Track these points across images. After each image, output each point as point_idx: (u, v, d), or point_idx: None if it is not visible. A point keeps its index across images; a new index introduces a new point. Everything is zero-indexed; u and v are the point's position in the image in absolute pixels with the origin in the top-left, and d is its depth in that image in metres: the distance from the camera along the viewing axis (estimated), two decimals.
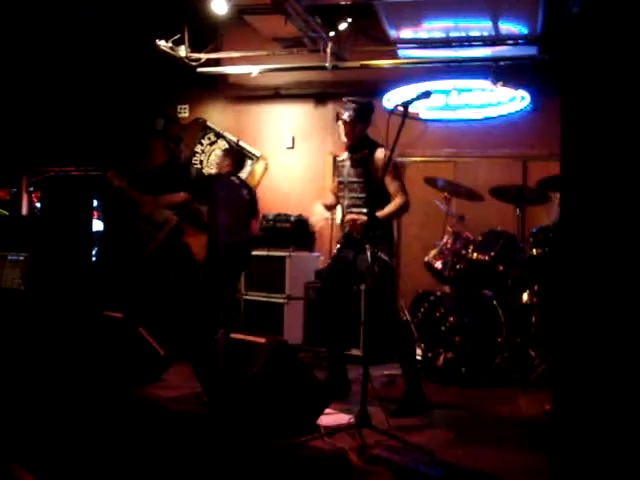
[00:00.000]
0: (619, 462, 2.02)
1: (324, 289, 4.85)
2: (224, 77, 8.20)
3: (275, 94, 8.15)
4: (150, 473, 3.29)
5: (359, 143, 4.56)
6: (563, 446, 2.13)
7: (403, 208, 4.44)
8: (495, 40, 6.98)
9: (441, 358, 5.33)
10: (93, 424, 3.99)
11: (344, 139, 4.58)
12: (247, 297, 6.85)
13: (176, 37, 7.44)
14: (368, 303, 4.06)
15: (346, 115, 4.51)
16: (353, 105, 4.52)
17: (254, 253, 6.41)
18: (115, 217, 8.40)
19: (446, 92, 7.42)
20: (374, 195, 4.33)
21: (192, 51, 7.59)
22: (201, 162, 8.34)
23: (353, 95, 4.67)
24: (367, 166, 4.48)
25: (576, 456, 2.09)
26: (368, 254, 4.17)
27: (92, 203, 7.80)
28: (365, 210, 4.38)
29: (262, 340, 3.99)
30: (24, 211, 9.03)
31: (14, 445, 3.66)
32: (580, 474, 2.08)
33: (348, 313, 4.99)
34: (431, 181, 6.05)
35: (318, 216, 4.77)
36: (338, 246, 4.75)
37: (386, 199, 4.41)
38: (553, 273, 5.18)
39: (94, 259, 7.77)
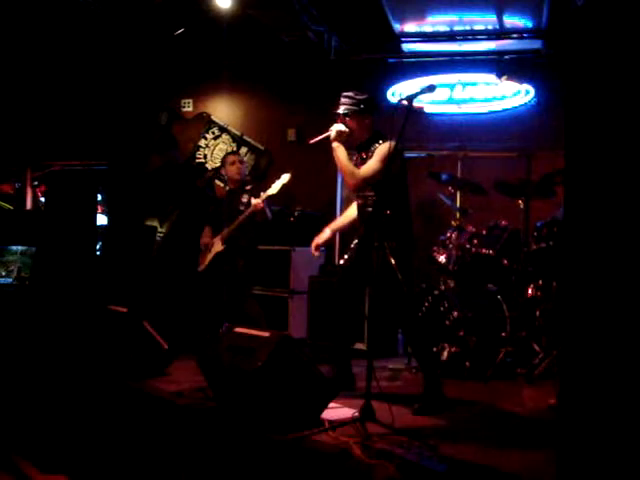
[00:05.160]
0: (625, 457, 2.01)
1: (339, 289, 4.71)
2: (229, 71, 8.20)
3: (279, 87, 8.15)
4: (153, 466, 3.30)
5: (366, 140, 4.52)
6: (568, 440, 2.13)
7: (349, 174, 4.41)
8: (500, 34, 6.96)
9: (445, 352, 5.33)
10: (97, 418, 4.00)
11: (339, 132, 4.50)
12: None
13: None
14: (374, 297, 4.03)
15: (341, 109, 4.48)
16: (347, 99, 4.49)
17: (259, 247, 6.40)
18: (119, 211, 8.42)
19: (450, 86, 7.40)
20: (382, 192, 4.26)
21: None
22: (205, 156, 8.34)
23: (355, 89, 4.61)
24: None
25: (581, 451, 2.09)
26: (384, 252, 4.17)
27: (96, 197, 7.81)
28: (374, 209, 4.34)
29: (266, 334, 4.00)
30: (28, 205, 9.04)
31: (17, 438, 3.67)
32: (586, 469, 2.07)
33: (359, 309, 5.00)
34: (435, 175, 6.05)
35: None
36: (355, 242, 4.69)
37: (395, 195, 4.40)
38: (558, 267, 5.17)
39: (98, 253, 7.78)
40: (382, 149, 4.34)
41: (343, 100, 4.50)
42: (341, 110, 4.47)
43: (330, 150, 4.46)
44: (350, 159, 4.46)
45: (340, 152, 4.42)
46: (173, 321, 6.18)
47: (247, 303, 5.78)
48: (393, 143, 4.15)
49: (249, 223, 5.79)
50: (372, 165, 4.35)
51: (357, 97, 4.49)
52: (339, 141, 4.41)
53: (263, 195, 5.66)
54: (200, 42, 7.94)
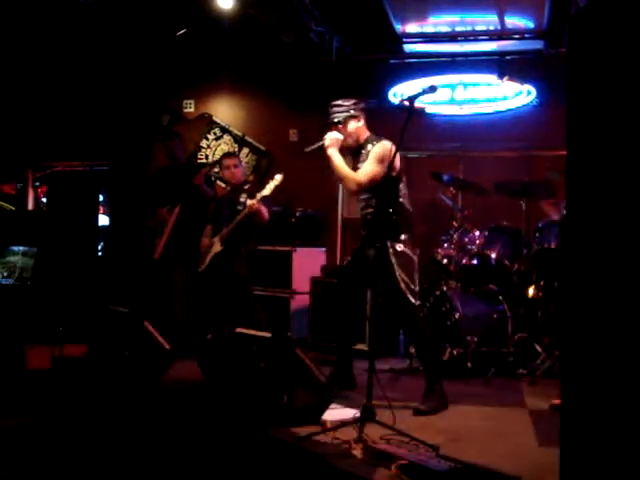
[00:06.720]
0: (629, 458, 2.01)
1: (341, 289, 4.74)
2: (230, 71, 8.20)
3: (281, 88, 8.15)
4: (153, 467, 3.29)
5: (361, 144, 4.52)
6: (571, 441, 2.13)
7: (348, 179, 4.41)
8: (501, 34, 6.97)
9: (447, 353, 5.33)
10: (98, 419, 4.00)
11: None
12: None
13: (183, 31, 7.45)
14: (375, 298, 4.02)
15: (334, 118, 4.49)
16: (337, 108, 4.50)
17: (260, 248, 6.40)
18: (121, 212, 8.43)
19: (452, 86, 7.40)
20: (379, 192, 4.27)
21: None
22: (207, 157, 8.34)
23: (347, 95, 4.61)
24: None
25: (585, 451, 2.09)
26: (389, 251, 4.20)
27: (98, 198, 7.81)
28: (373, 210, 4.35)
29: (267, 334, 4.00)
30: (30, 206, 9.05)
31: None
32: (589, 470, 2.07)
33: (360, 310, 4.99)
34: (437, 176, 6.04)
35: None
36: (357, 246, 4.68)
37: (396, 195, 4.40)
38: (561, 267, 5.17)
39: (100, 254, 7.79)
40: (377, 150, 4.37)
41: (333, 110, 4.52)
42: (334, 119, 4.49)
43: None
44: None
45: (336, 158, 4.44)
46: (174, 321, 6.18)
47: (253, 306, 5.76)
48: (389, 143, 4.17)
49: (247, 223, 5.78)
50: (369, 167, 4.37)
51: (346, 104, 4.52)
52: (334, 147, 4.42)
53: (258, 196, 5.66)
54: (202, 43, 7.94)
